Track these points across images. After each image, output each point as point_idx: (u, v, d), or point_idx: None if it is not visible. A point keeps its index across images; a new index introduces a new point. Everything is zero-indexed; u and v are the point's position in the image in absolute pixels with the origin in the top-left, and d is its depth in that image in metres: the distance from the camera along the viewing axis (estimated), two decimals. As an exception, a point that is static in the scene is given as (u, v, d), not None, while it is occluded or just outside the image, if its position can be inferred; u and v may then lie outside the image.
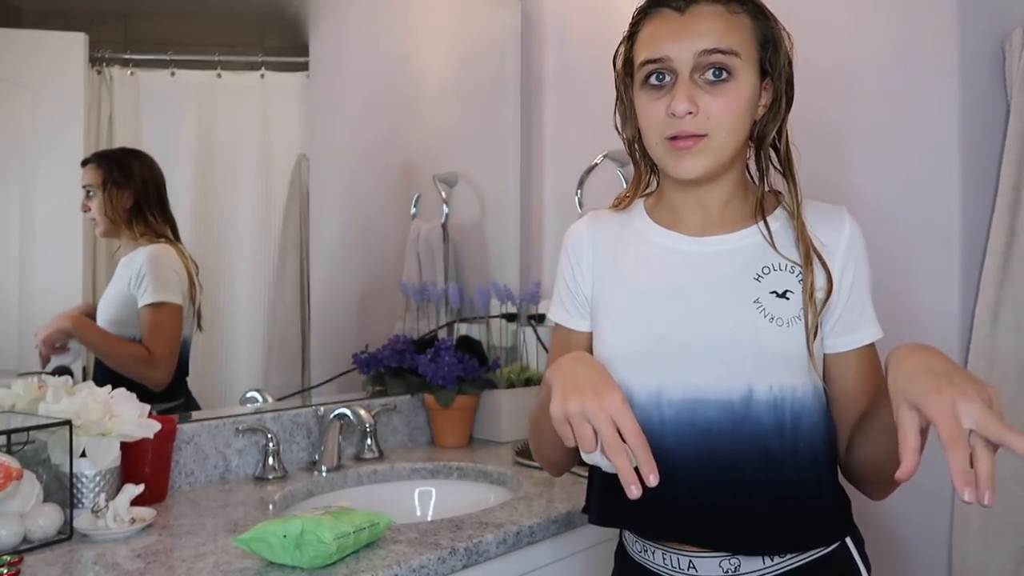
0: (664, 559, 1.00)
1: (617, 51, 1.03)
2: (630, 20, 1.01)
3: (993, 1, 1.59)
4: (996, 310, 1.51)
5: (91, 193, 1.55)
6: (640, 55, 0.97)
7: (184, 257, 1.64)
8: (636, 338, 1.00)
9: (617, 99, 1.05)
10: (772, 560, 0.96)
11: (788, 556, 0.96)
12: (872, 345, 1.00)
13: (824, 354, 1.00)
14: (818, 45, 1.65)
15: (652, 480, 0.80)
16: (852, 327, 0.99)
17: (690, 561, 0.98)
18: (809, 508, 0.96)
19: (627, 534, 1.08)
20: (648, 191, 1.10)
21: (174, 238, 1.63)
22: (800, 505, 0.95)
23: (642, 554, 1.04)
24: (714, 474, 0.94)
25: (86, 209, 1.55)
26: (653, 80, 0.95)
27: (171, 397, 1.62)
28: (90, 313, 1.55)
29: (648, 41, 0.96)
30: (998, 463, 1.51)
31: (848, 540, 1.00)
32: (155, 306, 1.58)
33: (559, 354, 1.08)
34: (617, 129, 1.07)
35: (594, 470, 1.05)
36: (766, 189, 1.01)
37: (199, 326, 1.67)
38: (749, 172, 1.05)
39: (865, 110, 1.64)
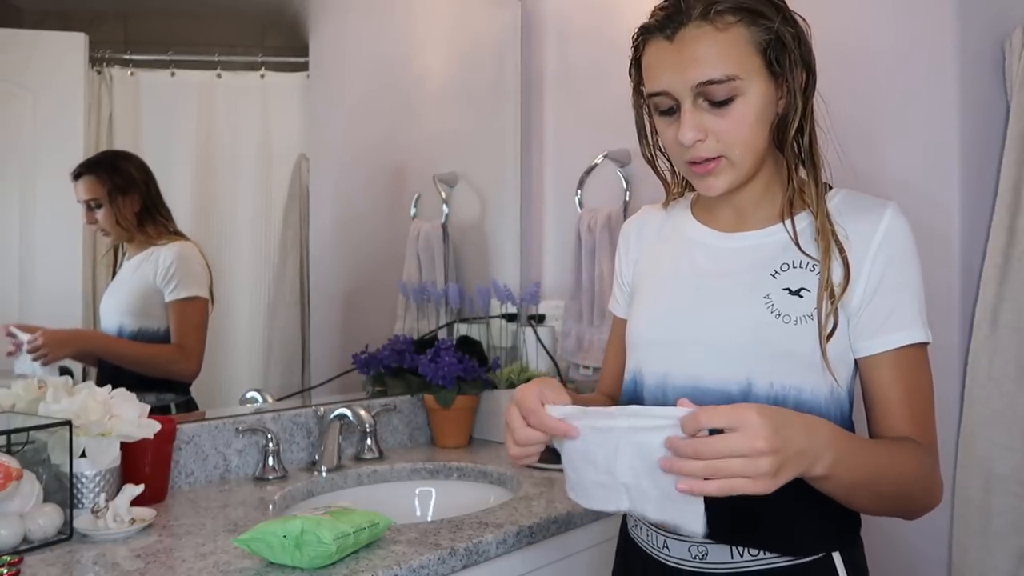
0: (647, 535, 1.04)
1: (630, 71, 1.03)
2: (631, 43, 1.00)
3: (993, 1, 1.59)
4: (996, 310, 1.51)
5: (94, 205, 1.54)
6: (646, 85, 0.98)
7: (203, 254, 1.68)
8: (651, 324, 1.04)
9: (636, 120, 1.06)
10: (741, 555, 0.96)
11: (759, 554, 0.95)
12: (911, 351, 0.95)
13: (856, 359, 0.97)
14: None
15: (572, 433, 0.87)
16: (877, 329, 0.94)
17: (665, 541, 1.01)
18: (789, 514, 0.94)
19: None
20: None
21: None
22: (782, 508, 0.93)
23: (634, 529, 1.08)
24: None
25: (92, 222, 1.55)
26: (662, 107, 0.96)
27: (184, 390, 1.66)
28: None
29: (648, 72, 0.96)
30: (997, 462, 1.52)
31: (835, 556, 0.96)
32: (186, 300, 1.62)
33: (612, 339, 1.20)
34: (641, 143, 1.08)
35: None
36: (796, 184, 0.99)
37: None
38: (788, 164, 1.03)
39: (864, 110, 1.64)
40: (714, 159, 0.94)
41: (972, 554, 1.50)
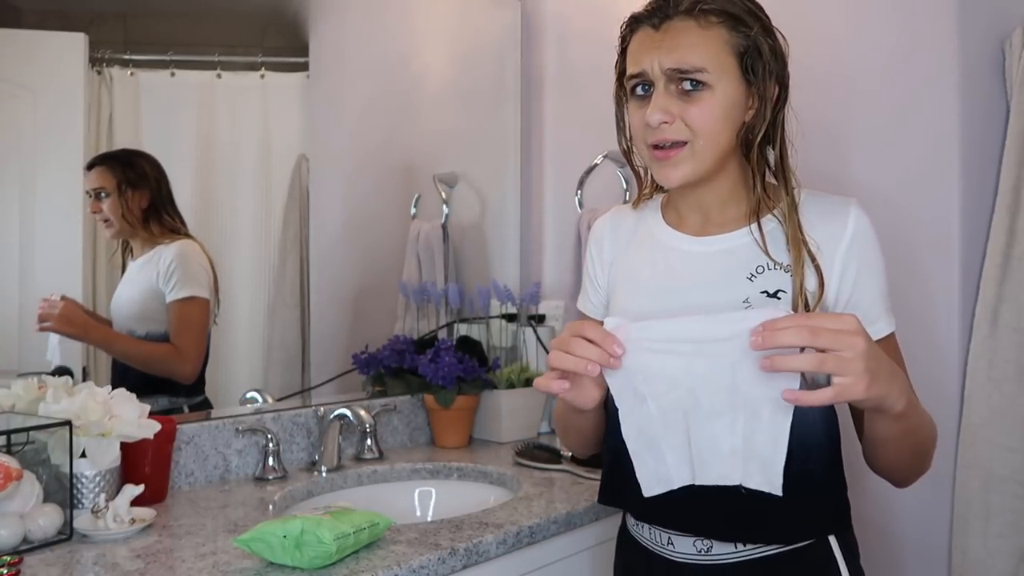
0: (650, 534, 1.06)
1: (616, 64, 1.07)
2: (619, 35, 1.05)
3: (993, 1, 1.59)
4: (996, 310, 1.51)
5: (102, 195, 1.55)
6: (627, 69, 1.03)
7: (207, 253, 1.66)
8: None
9: (616, 111, 1.10)
10: (745, 546, 0.99)
11: (760, 544, 0.98)
12: (887, 340, 1.00)
13: None
14: (818, 46, 1.65)
15: (617, 350, 0.88)
16: None
17: (669, 538, 1.03)
18: (784, 506, 0.95)
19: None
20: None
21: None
22: (775, 502, 0.94)
23: (635, 528, 1.10)
24: None
25: (96, 211, 1.55)
26: (638, 91, 1.01)
27: (198, 391, 1.66)
28: (89, 314, 1.55)
29: (631, 56, 1.02)
30: (997, 462, 1.52)
31: (831, 539, 0.99)
32: (185, 301, 1.61)
33: None
34: (619, 135, 1.11)
35: (608, 456, 1.09)
36: (761, 190, 1.02)
37: (214, 320, 1.69)
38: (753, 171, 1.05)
39: (865, 110, 1.64)
40: (677, 146, 0.97)
41: (972, 554, 1.50)
